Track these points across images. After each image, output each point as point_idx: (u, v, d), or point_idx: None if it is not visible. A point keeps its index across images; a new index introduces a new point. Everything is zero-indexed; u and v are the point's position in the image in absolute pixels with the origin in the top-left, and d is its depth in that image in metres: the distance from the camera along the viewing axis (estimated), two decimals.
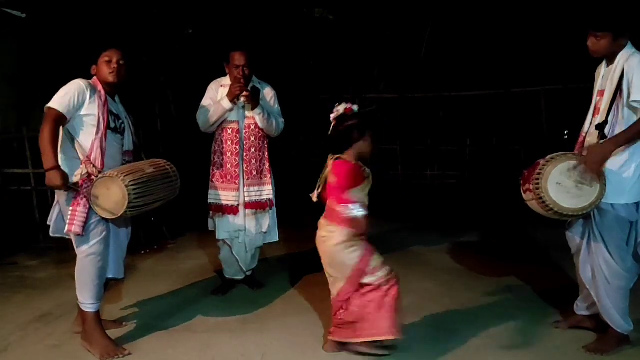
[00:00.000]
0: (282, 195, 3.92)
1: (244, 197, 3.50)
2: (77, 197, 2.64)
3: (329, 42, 7.40)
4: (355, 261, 2.61)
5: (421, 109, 7.05)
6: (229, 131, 3.49)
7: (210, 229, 3.68)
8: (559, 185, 2.54)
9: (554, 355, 2.74)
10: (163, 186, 2.80)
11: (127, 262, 3.20)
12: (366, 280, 2.62)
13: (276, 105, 3.64)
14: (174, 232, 5.27)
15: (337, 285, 2.69)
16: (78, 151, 2.70)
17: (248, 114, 3.49)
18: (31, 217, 4.89)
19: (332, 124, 2.72)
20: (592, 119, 2.74)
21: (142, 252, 4.71)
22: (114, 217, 2.64)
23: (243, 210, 3.52)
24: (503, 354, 2.76)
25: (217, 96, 3.51)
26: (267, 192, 3.58)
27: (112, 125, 2.79)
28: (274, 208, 3.66)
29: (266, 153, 3.59)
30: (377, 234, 3.84)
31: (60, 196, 2.74)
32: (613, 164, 2.57)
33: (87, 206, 2.65)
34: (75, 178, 2.67)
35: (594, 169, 2.50)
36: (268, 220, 3.63)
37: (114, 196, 2.57)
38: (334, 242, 2.62)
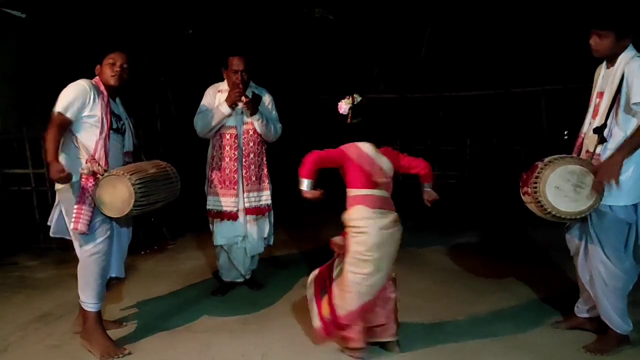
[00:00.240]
0: (282, 196, 3.92)
1: (244, 202, 3.50)
2: (82, 195, 2.64)
3: (329, 42, 7.40)
4: None
5: (421, 109, 7.06)
6: (227, 136, 3.47)
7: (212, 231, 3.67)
8: (557, 189, 2.53)
9: (554, 355, 2.74)
10: (164, 187, 2.81)
11: (127, 263, 3.20)
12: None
13: (274, 111, 3.63)
14: (174, 233, 5.27)
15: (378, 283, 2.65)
16: (81, 150, 2.70)
17: (246, 119, 3.47)
18: (31, 217, 4.89)
19: (349, 114, 2.74)
20: (591, 120, 2.74)
21: (142, 252, 4.71)
22: (120, 215, 2.64)
23: (243, 216, 3.52)
24: (503, 354, 2.77)
25: (214, 101, 3.49)
26: (266, 197, 3.58)
27: (114, 126, 2.80)
28: (272, 212, 3.67)
29: (264, 158, 3.59)
30: None
31: (63, 195, 2.73)
32: None
33: (92, 205, 2.65)
34: (79, 176, 2.66)
35: (610, 180, 2.48)
36: (268, 226, 3.64)
37: (120, 194, 2.57)
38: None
